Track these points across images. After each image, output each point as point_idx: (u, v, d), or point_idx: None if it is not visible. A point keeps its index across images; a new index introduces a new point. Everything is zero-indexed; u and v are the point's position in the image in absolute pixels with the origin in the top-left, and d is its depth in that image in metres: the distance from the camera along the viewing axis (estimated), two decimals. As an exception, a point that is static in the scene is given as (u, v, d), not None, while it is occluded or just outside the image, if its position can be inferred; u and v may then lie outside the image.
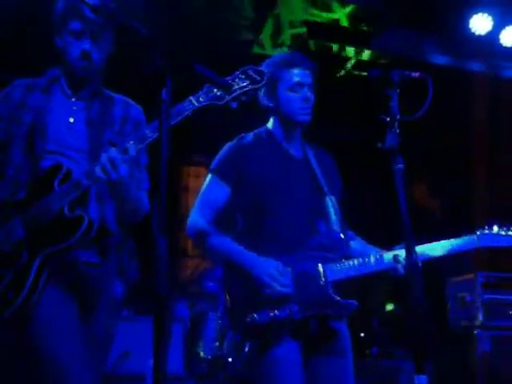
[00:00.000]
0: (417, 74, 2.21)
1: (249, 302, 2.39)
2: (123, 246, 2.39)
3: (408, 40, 5.60)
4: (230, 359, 4.40)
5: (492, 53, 5.77)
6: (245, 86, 2.06)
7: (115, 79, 2.48)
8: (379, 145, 2.01)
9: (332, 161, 2.81)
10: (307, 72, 2.61)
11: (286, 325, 2.37)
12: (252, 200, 2.57)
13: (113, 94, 2.49)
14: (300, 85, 2.58)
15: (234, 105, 2.06)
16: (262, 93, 2.61)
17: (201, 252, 5.64)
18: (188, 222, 2.58)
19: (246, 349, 2.46)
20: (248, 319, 2.35)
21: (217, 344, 4.59)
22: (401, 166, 1.98)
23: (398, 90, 2.13)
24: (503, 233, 2.52)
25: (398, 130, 2.03)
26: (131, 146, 2.06)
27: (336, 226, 2.57)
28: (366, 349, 5.55)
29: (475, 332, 4.71)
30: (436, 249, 2.49)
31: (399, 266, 2.44)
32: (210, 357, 4.59)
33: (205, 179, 2.67)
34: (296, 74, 2.58)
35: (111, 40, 2.38)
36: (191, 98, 2.06)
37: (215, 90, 2.03)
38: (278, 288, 2.38)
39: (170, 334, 1.48)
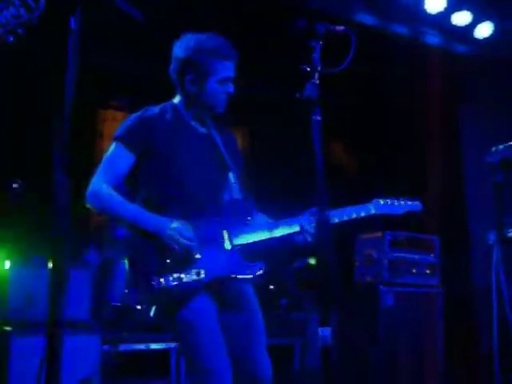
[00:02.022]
0: (341, 28, 2.18)
1: (155, 266, 2.37)
2: None
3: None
4: (138, 306, 4.37)
5: (417, 18, 5.84)
6: (18, 16, 1.76)
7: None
8: (297, 95, 1.99)
9: (234, 138, 2.86)
10: (233, 64, 2.62)
11: (194, 287, 2.37)
12: (156, 171, 2.55)
13: None
14: (228, 79, 2.61)
15: (11, 38, 1.85)
16: (186, 76, 2.59)
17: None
18: (90, 189, 2.50)
19: (152, 313, 2.41)
20: (154, 284, 2.32)
21: (126, 291, 4.55)
22: (318, 117, 1.96)
23: (321, 43, 2.10)
24: (395, 203, 2.76)
25: (317, 82, 2.01)
26: None
27: (239, 196, 2.62)
28: (276, 300, 5.66)
29: (379, 288, 4.90)
30: (336, 215, 2.59)
31: (305, 234, 2.54)
32: (118, 304, 4.55)
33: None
34: (227, 68, 2.60)
35: None
36: None
37: None
38: (185, 242, 2.38)
39: (66, 279, 1.42)
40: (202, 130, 2.70)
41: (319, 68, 2.04)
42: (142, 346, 4.42)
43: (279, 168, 6.04)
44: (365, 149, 6.73)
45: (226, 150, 2.68)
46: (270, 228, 2.56)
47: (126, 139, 2.54)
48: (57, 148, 1.47)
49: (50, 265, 1.42)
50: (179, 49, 2.61)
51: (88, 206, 2.51)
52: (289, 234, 2.56)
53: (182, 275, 2.35)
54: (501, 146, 3.48)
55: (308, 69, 2.04)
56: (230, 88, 2.62)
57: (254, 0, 4.75)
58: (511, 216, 3.45)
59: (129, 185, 2.60)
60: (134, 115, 2.60)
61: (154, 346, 4.43)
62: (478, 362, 5.15)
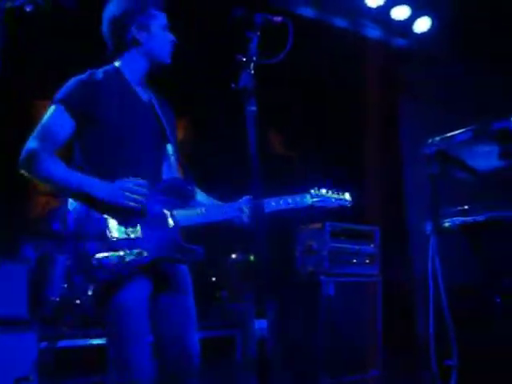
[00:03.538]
0: (279, 19, 2.18)
1: (96, 244, 2.28)
2: None
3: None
4: (77, 301, 4.28)
5: (357, 12, 5.91)
6: None
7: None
8: (232, 85, 1.97)
9: (172, 111, 2.77)
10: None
11: (134, 267, 2.31)
12: (97, 141, 2.44)
13: None
14: (168, 27, 2.59)
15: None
16: (131, 25, 2.51)
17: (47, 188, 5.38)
18: (24, 153, 2.35)
19: (90, 292, 2.36)
20: (94, 262, 2.25)
21: (65, 286, 4.44)
22: (253, 108, 1.95)
23: (259, 33, 2.09)
24: (330, 195, 2.90)
25: (253, 72, 1.99)
26: None
27: (178, 174, 2.59)
28: (216, 292, 5.66)
29: (320, 278, 4.96)
30: (273, 201, 2.66)
31: (244, 216, 2.59)
32: (57, 299, 4.44)
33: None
34: (164, 17, 2.59)
35: None
36: None
37: None
38: (140, 198, 2.33)
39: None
40: (144, 97, 2.61)
41: (255, 58, 2.03)
42: (81, 342, 4.34)
43: (219, 157, 6.01)
44: (303, 141, 6.77)
45: (165, 120, 2.62)
46: (212, 210, 2.56)
47: (67, 102, 2.40)
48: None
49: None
50: (118, 4, 2.54)
51: (23, 172, 2.35)
52: (229, 218, 2.59)
53: (123, 254, 2.28)
54: (437, 138, 3.55)
55: (244, 59, 2.02)
56: (172, 36, 2.59)
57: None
58: (446, 207, 3.53)
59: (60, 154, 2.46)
60: (77, 78, 2.46)
61: (94, 342, 4.36)
62: (415, 348, 5.29)
